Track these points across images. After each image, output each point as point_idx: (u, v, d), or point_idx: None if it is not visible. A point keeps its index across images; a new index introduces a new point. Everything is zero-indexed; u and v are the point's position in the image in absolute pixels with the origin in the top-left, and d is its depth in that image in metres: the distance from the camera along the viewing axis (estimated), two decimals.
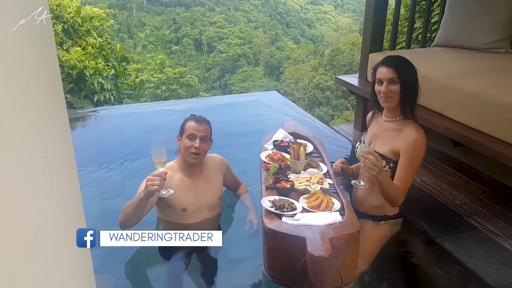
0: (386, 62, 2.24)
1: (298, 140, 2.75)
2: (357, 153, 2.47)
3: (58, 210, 0.84)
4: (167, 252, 2.47)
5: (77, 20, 7.06)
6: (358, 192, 2.45)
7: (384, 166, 2.25)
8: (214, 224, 2.58)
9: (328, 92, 29.56)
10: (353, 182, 2.30)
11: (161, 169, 2.15)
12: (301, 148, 2.49)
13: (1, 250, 0.68)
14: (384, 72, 2.22)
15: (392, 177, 2.26)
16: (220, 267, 2.48)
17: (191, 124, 2.39)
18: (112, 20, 10.31)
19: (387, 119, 2.35)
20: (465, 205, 2.77)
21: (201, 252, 2.53)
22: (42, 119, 0.77)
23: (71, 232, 0.92)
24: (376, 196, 2.30)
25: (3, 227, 0.68)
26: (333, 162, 2.69)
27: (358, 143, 2.48)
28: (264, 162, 2.60)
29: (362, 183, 2.25)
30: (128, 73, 8.03)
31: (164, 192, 2.21)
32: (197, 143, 2.34)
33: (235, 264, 2.51)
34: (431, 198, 2.86)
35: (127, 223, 2.27)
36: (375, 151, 2.18)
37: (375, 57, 3.72)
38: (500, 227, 2.53)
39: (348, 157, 3.60)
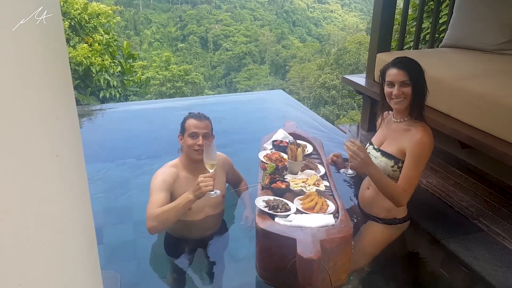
0: (397, 63, 2.22)
1: (298, 141, 2.74)
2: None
3: (68, 207, 0.84)
4: (172, 249, 2.48)
5: (84, 17, 7.07)
6: (366, 195, 2.44)
7: (393, 166, 2.25)
8: (217, 221, 2.59)
9: (333, 91, 29.49)
10: (341, 170, 2.34)
11: (211, 171, 2.19)
12: (299, 149, 2.49)
13: (12, 246, 0.69)
14: (395, 74, 2.21)
15: None
16: (223, 265, 2.49)
17: (191, 122, 2.39)
18: (119, 17, 10.33)
19: (396, 120, 2.34)
20: (472, 207, 2.76)
21: (205, 249, 2.53)
22: (53, 117, 0.77)
23: (79, 229, 0.92)
24: (385, 199, 2.30)
25: (15, 223, 0.69)
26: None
27: (368, 144, 2.48)
28: (262, 161, 2.60)
29: (349, 171, 2.29)
30: (134, 70, 8.04)
31: (213, 193, 2.24)
32: (199, 140, 2.35)
33: (236, 262, 2.51)
34: (437, 200, 2.85)
35: (162, 228, 2.31)
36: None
37: (383, 57, 3.71)
38: (506, 230, 2.52)
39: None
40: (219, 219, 2.60)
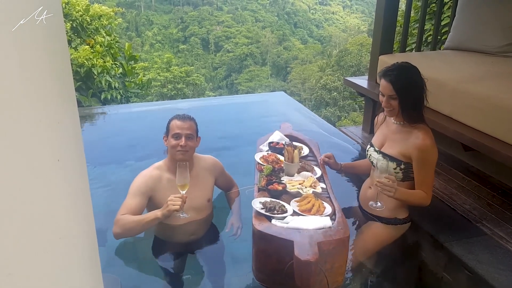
0: (386, 75, 2.23)
1: (294, 143, 2.74)
2: (368, 157, 2.47)
3: (69, 212, 0.83)
4: (159, 252, 2.46)
5: (85, 19, 7.07)
6: (368, 194, 2.45)
7: (395, 168, 2.26)
8: (202, 226, 2.54)
9: (335, 93, 29.48)
10: (370, 203, 2.31)
11: (182, 192, 2.17)
12: (296, 151, 2.49)
13: (13, 252, 0.68)
14: (383, 86, 2.24)
15: (405, 177, 2.29)
16: (217, 268, 2.48)
17: (175, 123, 2.38)
18: (120, 19, 10.32)
19: (395, 122, 2.35)
20: (475, 210, 2.74)
21: (196, 253, 2.51)
22: (55, 121, 0.76)
23: (81, 235, 0.92)
24: (387, 198, 2.29)
25: (16, 230, 0.68)
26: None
27: (369, 146, 2.48)
28: (258, 163, 2.59)
29: (379, 204, 2.27)
30: (135, 72, 8.03)
31: (182, 216, 2.22)
32: (182, 141, 2.33)
33: (232, 265, 2.50)
34: (440, 202, 2.83)
35: (127, 236, 2.30)
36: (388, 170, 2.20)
37: (385, 59, 3.70)
38: (510, 233, 2.50)
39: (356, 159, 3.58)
40: (205, 223, 2.56)
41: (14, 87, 0.68)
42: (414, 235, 2.52)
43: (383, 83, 2.23)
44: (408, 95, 2.20)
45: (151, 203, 2.35)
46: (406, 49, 4.52)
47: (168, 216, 2.16)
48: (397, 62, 2.30)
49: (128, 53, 7.70)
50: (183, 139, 2.33)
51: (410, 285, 2.54)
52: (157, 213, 2.17)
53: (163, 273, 2.46)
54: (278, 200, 2.20)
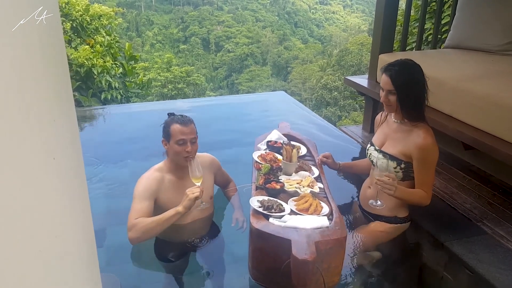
0: (387, 70, 2.23)
1: (292, 142, 2.74)
2: (368, 156, 2.47)
3: (66, 211, 0.83)
4: (161, 252, 2.45)
5: (85, 18, 7.06)
6: (368, 194, 2.44)
7: (395, 167, 2.26)
8: (206, 224, 2.54)
9: (335, 93, 29.49)
10: (370, 202, 2.31)
11: (198, 184, 2.18)
12: (294, 150, 2.49)
13: (10, 250, 0.68)
14: (383, 81, 2.24)
15: (405, 177, 2.28)
16: (216, 267, 2.48)
17: (177, 128, 2.30)
18: (121, 19, 10.32)
19: (395, 120, 2.34)
20: (475, 209, 2.74)
21: (197, 252, 2.51)
22: (51, 119, 0.76)
23: (78, 232, 0.91)
24: (387, 196, 2.28)
25: (13, 228, 0.68)
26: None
27: (369, 145, 2.48)
28: (256, 161, 2.59)
29: (379, 202, 2.27)
30: (136, 71, 8.02)
31: (202, 205, 2.24)
32: (188, 147, 2.28)
33: (229, 263, 2.50)
34: (440, 202, 2.82)
35: (145, 239, 2.26)
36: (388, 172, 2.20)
37: (385, 58, 3.69)
38: (510, 232, 2.49)
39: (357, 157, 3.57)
40: (208, 222, 2.55)
41: (11, 86, 0.67)
42: (415, 234, 2.52)
43: (383, 77, 2.23)
44: (408, 92, 2.19)
45: (155, 205, 2.34)
46: (407, 48, 4.51)
47: (190, 207, 2.15)
48: (400, 59, 2.29)
49: (128, 53, 7.70)
50: (188, 145, 2.29)
51: (411, 285, 2.54)
52: (177, 208, 2.15)
53: (164, 272, 2.46)
54: (275, 199, 2.20)
